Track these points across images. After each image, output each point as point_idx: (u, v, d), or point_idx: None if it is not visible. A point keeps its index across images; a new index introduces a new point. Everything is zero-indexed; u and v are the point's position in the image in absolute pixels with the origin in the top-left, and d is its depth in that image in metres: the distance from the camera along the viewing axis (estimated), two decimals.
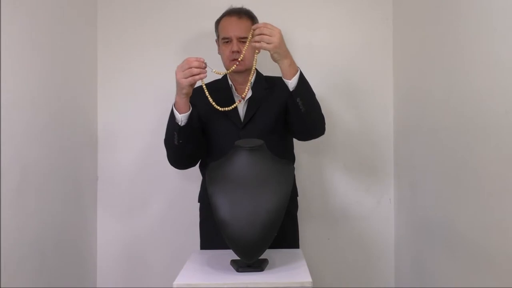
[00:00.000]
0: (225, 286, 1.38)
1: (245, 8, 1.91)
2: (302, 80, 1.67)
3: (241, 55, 1.70)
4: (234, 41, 1.80)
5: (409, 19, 2.13)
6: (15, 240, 1.63)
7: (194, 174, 2.09)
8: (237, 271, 1.47)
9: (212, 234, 1.76)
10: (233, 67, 1.70)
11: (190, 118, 1.69)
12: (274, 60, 1.64)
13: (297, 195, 1.96)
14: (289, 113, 1.76)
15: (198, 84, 1.65)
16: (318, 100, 1.78)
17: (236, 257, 1.49)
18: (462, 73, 1.60)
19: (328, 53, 2.33)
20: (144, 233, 2.32)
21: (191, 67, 1.58)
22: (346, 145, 2.30)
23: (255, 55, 1.69)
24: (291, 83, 1.65)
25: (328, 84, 2.30)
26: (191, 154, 1.80)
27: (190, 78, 1.58)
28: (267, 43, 1.58)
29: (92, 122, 2.30)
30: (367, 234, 2.32)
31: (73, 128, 2.10)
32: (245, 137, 1.66)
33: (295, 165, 1.93)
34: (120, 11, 2.33)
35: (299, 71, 1.67)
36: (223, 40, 1.83)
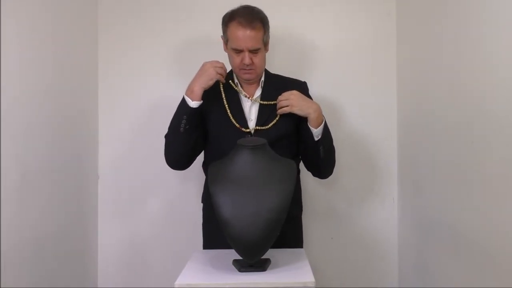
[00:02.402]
0: (227, 286, 1.37)
1: (257, 11, 1.78)
2: (326, 130, 1.78)
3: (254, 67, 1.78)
4: (246, 53, 1.75)
5: (413, 14, 2.12)
6: (15, 240, 1.62)
7: (195, 174, 2.08)
8: (239, 271, 1.46)
9: (215, 234, 1.74)
10: (254, 99, 1.82)
11: (200, 107, 1.73)
12: (302, 116, 1.76)
13: (301, 197, 1.93)
14: (304, 151, 1.83)
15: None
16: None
17: (238, 257, 1.47)
18: (466, 71, 1.59)
19: (331, 51, 2.31)
20: (145, 233, 2.30)
21: (222, 67, 1.76)
22: (350, 144, 2.29)
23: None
24: (316, 132, 1.75)
25: (331, 82, 2.29)
26: (193, 147, 1.79)
27: (220, 76, 1.75)
28: (285, 107, 1.75)
29: (93, 121, 2.29)
30: (371, 233, 2.31)
31: (74, 128, 2.09)
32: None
33: (301, 166, 1.92)
34: (121, 12, 2.32)
35: (324, 121, 1.76)
36: (234, 50, 1.76)
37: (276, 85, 1.84)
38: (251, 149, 1.52)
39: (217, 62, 1.76)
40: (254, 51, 1.75)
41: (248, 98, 1.81)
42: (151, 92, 2.30)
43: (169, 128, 1.78)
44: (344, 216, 2.32)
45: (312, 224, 2.22)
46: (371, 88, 2.31)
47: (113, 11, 2.32)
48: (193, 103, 1.71)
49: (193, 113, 1.72)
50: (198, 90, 1.71)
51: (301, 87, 1.86)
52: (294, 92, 1.76)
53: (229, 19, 1.77)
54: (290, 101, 1.74)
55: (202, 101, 1.73)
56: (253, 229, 1.42)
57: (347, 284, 2.30)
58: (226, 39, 1.80)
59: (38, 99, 1.79)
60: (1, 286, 1.53)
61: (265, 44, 1.81)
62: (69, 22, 2.05)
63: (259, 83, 1.84)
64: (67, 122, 2.02)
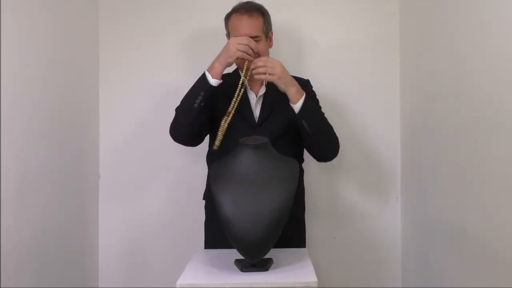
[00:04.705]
0: (229, 286, 1.36)
1: (255, 3, 1.84)
2: (307, 103, 1.72)
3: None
4: None
5: (416, 14, 2.11)
6: (15, 240, 1.61)
7: (197, 172, 2.08)
8: (241, 270, 1.45)
9: (217, 233, 1.72)
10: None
11: (219, 86, 1.70)
12: (281, 89, 1.70)
13: (303, 197, 1.92)
14: (301, 136, 1.79)
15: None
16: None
17: (240, 257, 1.46)
18: (470, 71, 1.58)
19: (334, 50, 2.30)
20: (146, 232, 2.30)
21: (248, 45, 1.68)
22: (352, 143, 2.28)
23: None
24: (296, 107, 1.70)
25: (333, 81, 2.28)
26: (201, 126, 1.76)
27: (242, 53, 1.67)
28: (271, 75, 1.67)
29: (94, 121, 2.28)
30: (374, 233, 2.30)
31: (74, 127, 2.09)
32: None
33: (303, 166, 1.90)
34: (122, 11, 2.31)
35: (304, 95, 1.72)
36: None
37: None
38: (253, 148, 1.50)
39: (243, 39, 1.70)
40: (254, 39, 1.74)
41: (252, 91, 1.82)
42: (152, 91, 2.30)
43: (182, 101, 1.75)
44: (347, 215, 2.30)
45: (314, 224, 2.21)
46: (374, 87, 2.30)
47: (113, 11, 2.31)
48: (213, 81, 1.68)
49: (212, 90, 1.69)
50: (218, 67, 1.69)
51: (305, 85, 1.86)
52: (279, 63, 1.70)
53: (229, 13, 1.83)
54: (275, 70, 1.67)
55: (221, 81, 1.70)
56: (255, 229, 1.40)
57: (350, 284, 2.29)
58: (228, 33, 1.83)
59: (38, 99, 1.78)
60: (1, 286, 1.52)
61: (266, 35, 1.82)
62: (69, 22, 2.05)
63: (262, 81, 1.84)
64: (67, 122, 2.01)
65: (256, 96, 1.84)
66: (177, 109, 1.78)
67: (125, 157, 2.30)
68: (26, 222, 1.68)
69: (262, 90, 1.84)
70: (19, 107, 1.64)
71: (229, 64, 1.70)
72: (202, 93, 1.68)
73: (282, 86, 1.69)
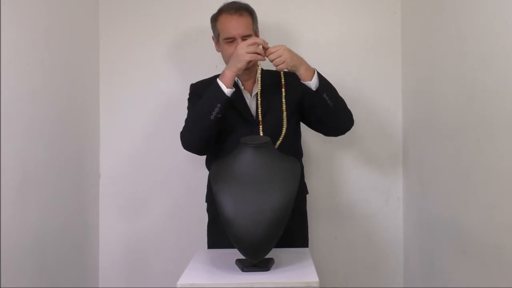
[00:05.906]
0: (230, 286, 1.36)
1: (243, 3, 1.84)
2: (321, 77, 1.71)
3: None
4: (239, 40, 1.75)
5: (418, 12, 2.10)
6: (15, 240, 1.60)
7: (198, 172, 2.07)
8: (243, 270, 1.45)
9: (220, 235, 1.72)
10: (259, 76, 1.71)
11: (232, 95, 1.68)
12: (292, 71, 1.68)
13: (307, 193, 1.93)
14: (315, 113, 1.78)
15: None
16: None
17: (242, 257, 1.46)
18: (472, 69, 1.57)
19: (336, 49, 2.29)
20: (147, 232, 2.29)
21: (255, 44, 1.65)
22: (354, 142, 2.27)
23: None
24: (313, 83, 1.68)
25: (335, 80, 2.23)
26: (213, 136, 1.74)
27: (253, 55, 1.64)
28: (281, 65, 1.64)
29: (94, 119, 2.27)
30: (375, 232, 2.29)
31: (75, 126, 2.08)
32: (258, 134, 1.66)
33: (304, 164, 1.90)
34: (122, 10, 2.31)
35: (316, 71, 1.71)
36: (226, 40, 1.78)
37: (272, 79, 1.83)
38: (254, 148, 1.50)
39: (254, 40, 1.67)
40: (245, 38, 1.73)
41: (248, 92, 1.82)
42: (153, 90, 2.29)
43: (198, 112, 1.72)
44: (349, 215, 2.30)
45: (316, 223, 2.20)
46: (376, 86, 2.29)
47: (114, 9, 2.31)
48: (228, 91, 1.66)
49: (227, 101, 1.67)
50: (228, 74, 1.67)
51: (297, 79, 1.85)
52: (283, 48, 1.66)
53: (216, 14, 1.83)
54: (283, 58, 1.64)
55: (234, 89, 1.68)
56: (256, 228, 1.40)
57: (352, 284, 2.28)
58: (217, 34, 1.82)
59: (39, 97, 1.77)
60: (1, 286, 1.51)
61: (255, 33, 1.82)
62: (70, 20, 2.04)
63: (255, 79, 1.83)
64: (68, 121, 2.01)
65: (251, 95, 1.84)
66: (189, 120, 1.76)
67: (125, 156, 2.29)
68: (26, 222, 1.68)
69: (256, 88, 1.83)
70: (19, 107, 1.64)
71: (240, 70, 1.67)
72: (219, 105, 1.65)
73: (293, 69, 1.67)
